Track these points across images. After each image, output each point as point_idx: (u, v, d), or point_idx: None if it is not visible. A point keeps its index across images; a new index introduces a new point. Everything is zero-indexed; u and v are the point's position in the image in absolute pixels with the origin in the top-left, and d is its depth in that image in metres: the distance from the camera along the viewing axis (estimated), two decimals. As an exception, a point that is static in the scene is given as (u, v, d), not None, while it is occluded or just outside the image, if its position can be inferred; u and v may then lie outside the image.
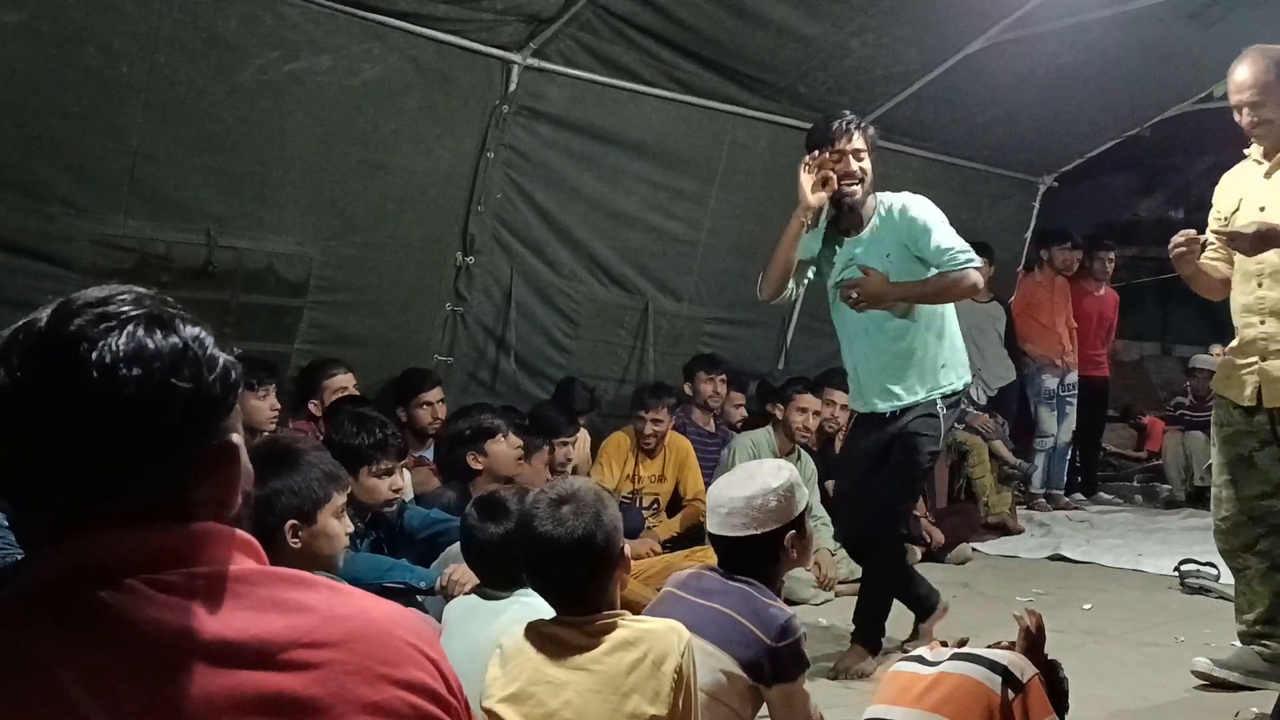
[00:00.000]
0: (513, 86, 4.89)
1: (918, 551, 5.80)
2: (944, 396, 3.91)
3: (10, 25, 3.66)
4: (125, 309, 0.99)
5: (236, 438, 1.04)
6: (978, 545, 6.19)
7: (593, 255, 5.63)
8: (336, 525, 2.55)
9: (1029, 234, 7.85)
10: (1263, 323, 3.52)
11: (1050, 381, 7.49)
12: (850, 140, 3.78)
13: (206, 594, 0.97)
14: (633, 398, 5.58)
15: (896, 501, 3.97)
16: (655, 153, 5.61)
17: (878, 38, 5.41)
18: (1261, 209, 3.49)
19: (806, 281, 4.04)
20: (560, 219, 5.43)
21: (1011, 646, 2.45)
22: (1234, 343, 3.69)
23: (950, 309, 4.01)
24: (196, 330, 1.02)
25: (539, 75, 4.96)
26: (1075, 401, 7.57)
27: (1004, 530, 6.57)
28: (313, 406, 4.54)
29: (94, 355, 0.95)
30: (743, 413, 6.19)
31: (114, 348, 0.96)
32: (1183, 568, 5.24)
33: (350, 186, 4.69)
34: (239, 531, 1.04)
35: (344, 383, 4.57)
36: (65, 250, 4.01)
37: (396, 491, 3.55)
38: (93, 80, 3.87)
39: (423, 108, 4.74)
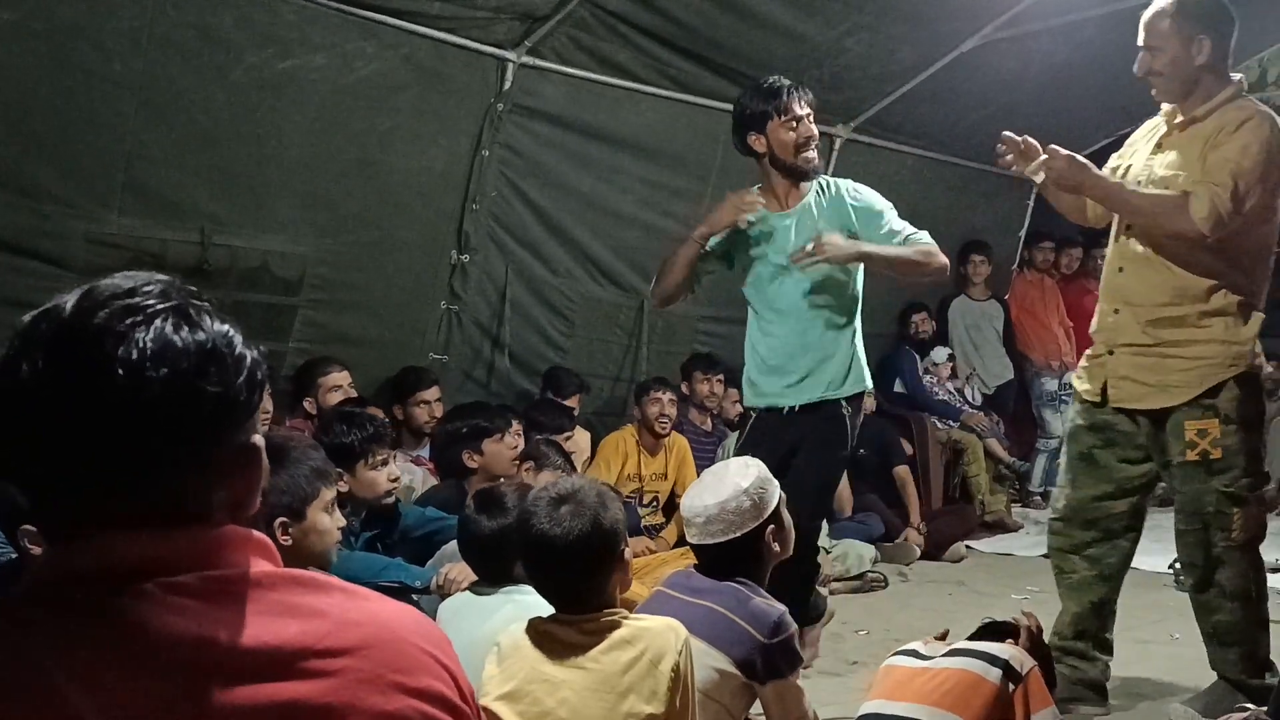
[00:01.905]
0: (508, 84, 4.89)
1: (916, 550, 5.82)
2: (848, 399, 3.66)
3: (3, 23, 3.64)
4: (152, 302, 0.96)
5: (258, 439, 1.02)
6: (972, 543, 6.20)
7: (588, 253, 5.62)
8: (327, 520, 2.55)
9: (1023, 232, 7.86)
10: (1116, 312, 3.26)
11: (1050, 384, 7.50)
12: (805, 102, 3.60)
13: (221, 599, 0.94)
14: (635, 393, 5.57)
15: (809, 518, 3.51)
16: (650, 151, 5.60)
17: (872, 36, 5.41)
18: (1139, 182, 3.18)
19: (709, 274, 3.83)
20: (555, 217, 5.43)
21: (1004, 632, 2.47)
22: (1093, 327, 3.43)
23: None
24: (224, 327, 0.99)
25: (534, 73, 4.95)
26: (1071, 399, 7.58)
27: (1001, 528, 6.58)
28: (307, 405, 4.53)
29: (120, 351, 0.92)
30: (739, 409, 6.19)
31: (141, 344, 0.92)
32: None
33: (345, 185, 4.68)
34: (255, 533, 1.01)
35: (339, 380, 4.56)
36: (59, 249, 3.99)
37: (394, 481, 3.55)
38: (86, 78, 3.85)
39: (417, 106, 4.73)
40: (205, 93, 4.13)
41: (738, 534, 2.53)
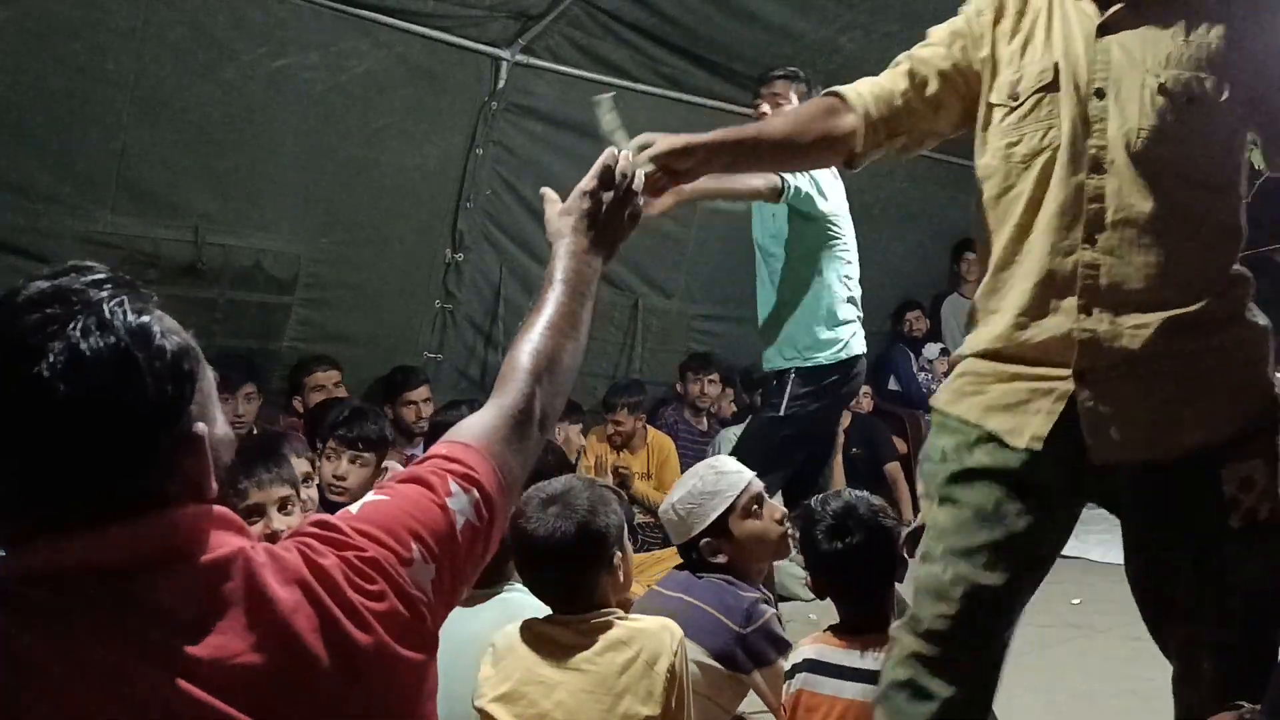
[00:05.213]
0: (501, 83, 4.88)
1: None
2: (801, 370, 3.75)
3: (-4, 21, 3.64)
4: (71, 304, 0.95)
5: (200, 427, 1.00)
6: (967, 541, 6.19)
7: (582, 252, 5.62)
8: (279, 520, 2.52)
9: (1017, 230, 7.85)
10: (1088, 314, 1.84)
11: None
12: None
13: (185, 586, 0.96)
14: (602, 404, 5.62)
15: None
16: (644, 149, 5.60)
17: (866, 34, 5.40)
18: (1100, 91, 1.89)
19: None
20: (550, 216, 5.42)
21: None
22: (996, 328, 1.93)
23: (827, 265, 3.76)
24: (142, 321, 0.97)
25: (528, 71, 4.95)
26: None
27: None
28: (297, 404, 4.53)
29: (32, 369, 0.92)
30: (734, 408, 6.20)
31: (51, 359, 0.92)
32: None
33: (339, 183, 4.67)
34: (217, 509, 1.01)
35: (323, 380, 4.56)
36: (52, 247, 3.98)
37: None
38: (80, 76, 3.85)
39: (411, 104, 4.73)
40: (199, 91, 4.13)
41: (696, 532, 2.62)
